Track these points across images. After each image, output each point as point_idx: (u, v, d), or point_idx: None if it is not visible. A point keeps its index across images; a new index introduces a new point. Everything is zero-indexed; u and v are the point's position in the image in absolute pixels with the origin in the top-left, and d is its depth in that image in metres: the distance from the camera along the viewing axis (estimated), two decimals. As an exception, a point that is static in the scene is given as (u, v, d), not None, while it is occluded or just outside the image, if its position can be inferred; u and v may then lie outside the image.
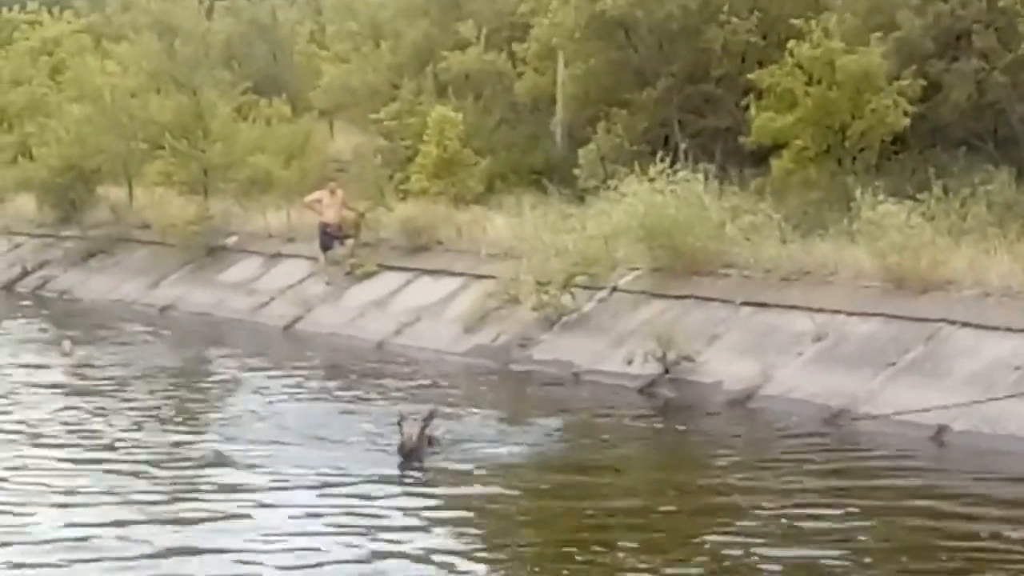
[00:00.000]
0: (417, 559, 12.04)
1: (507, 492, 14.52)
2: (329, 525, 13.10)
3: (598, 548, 12.47)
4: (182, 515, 13.44)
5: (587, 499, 14.28)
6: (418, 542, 12.61)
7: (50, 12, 45.23)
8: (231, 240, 31.17)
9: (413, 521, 13.41)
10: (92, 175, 35.14)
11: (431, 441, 15.43)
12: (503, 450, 16.19)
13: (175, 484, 14.73)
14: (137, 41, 35.90)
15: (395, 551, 12.28)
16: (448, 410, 17.80)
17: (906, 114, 23.53)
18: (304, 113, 34.77)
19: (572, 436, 17.38)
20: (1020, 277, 18.81)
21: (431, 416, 15.42)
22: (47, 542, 12.45)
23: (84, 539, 12.55)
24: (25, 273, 34.23)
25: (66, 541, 12.48)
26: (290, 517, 13.39)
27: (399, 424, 15.28)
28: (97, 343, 25.06)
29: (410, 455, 15.01)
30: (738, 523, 13.33)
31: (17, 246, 35.97)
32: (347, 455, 15.72)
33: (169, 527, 12.99)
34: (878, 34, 23.77)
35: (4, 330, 27.06)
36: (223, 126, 32.30)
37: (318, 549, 12.28)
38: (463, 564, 12.01)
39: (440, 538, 12.91)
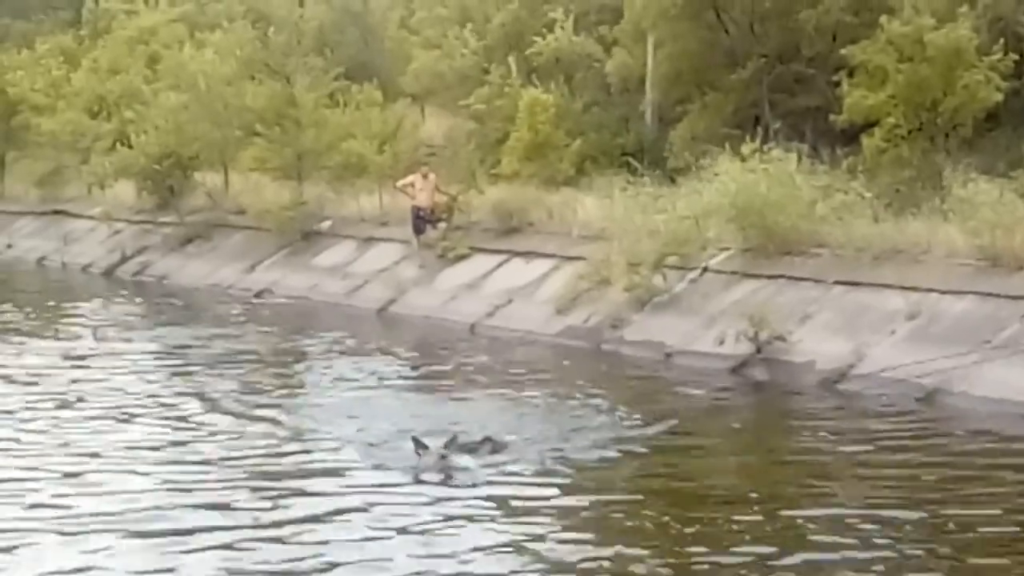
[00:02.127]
0: (501, 541, 12.18)
1: (595, 476, 14.50)
2: (402, 518, 12.93)
3: (680, 527, 12.58)
4: (249, 499, 13.57)
5: (675, 480, 14.38)
6: (502, 524, 12.73)
7: (146, 2, 45.91)
8: (325, 225, 31.51)
9: (500, 502, 13.47)
10: (189, 162, 35.65)
11: (473, 450, 14.50)
12: (592, 433, 16.15)
13: (254, 468, 14.81)
14: (231, 29, 36.41)
15: (486, 536, 12.40)
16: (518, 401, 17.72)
17: (999, 90, 23.33)
18: (395, 98, 35.01)
19: (663, 417, 17.37)
20: (1116, 253, 18.66)
21: (451, 442, 14.40)
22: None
23: (140, 514, 12.85)
24: (125, 259, 34.88)
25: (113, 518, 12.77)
26: (357, 507, 13.26)
27: (416, 450, 14.37)
28: (194, 327, 25.52)
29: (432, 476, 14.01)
30: (827, 504, 13.35)
31: (117, 232, 36.62)
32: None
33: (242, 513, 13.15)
34: (964, 8, 23.56)
35: (104, 314, 27.58)
36: (316, 112, 32.63)
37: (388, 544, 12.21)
38: (544, 547, 12.06)
39: (520, 523, 12.89)
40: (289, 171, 33.20)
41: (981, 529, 12.38)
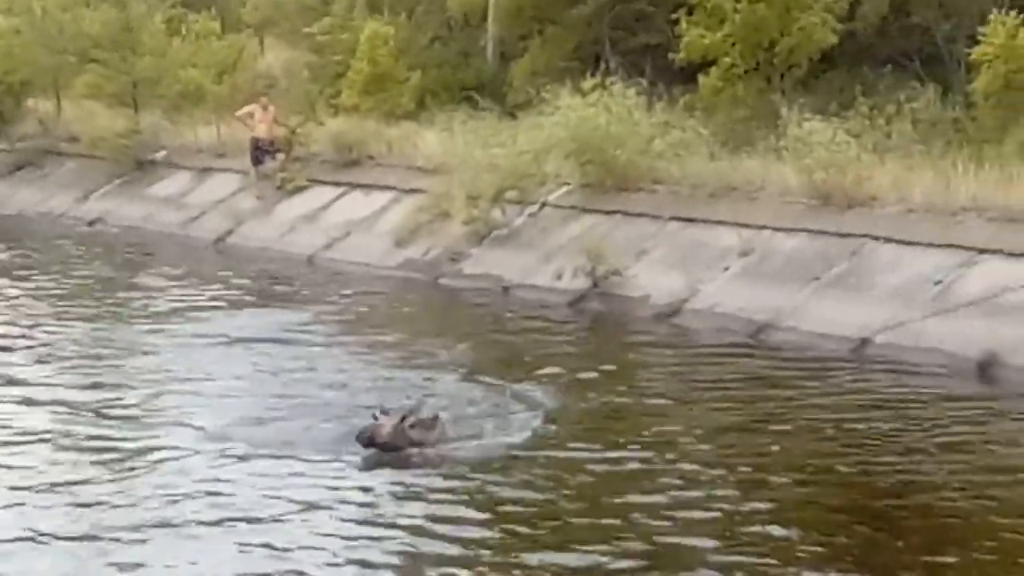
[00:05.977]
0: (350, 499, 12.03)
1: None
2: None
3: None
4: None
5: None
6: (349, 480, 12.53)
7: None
8: (160, 154, 30.96)
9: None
10: (21, 88, 34.82)
11: (429, 426, 12.99)
12: (429, 367, 16.16)
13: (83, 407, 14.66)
14: (66, -47, 35.45)
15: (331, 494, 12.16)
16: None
17: (834, 32, 23.72)
18: (234, 29, 34.45)
19: (498, 351, 17.48)
20: (942, 193, 19.10)
21: (415, 410, 13.05)
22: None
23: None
24: (-50, 186, 33.96)
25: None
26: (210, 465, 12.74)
27: (375, 416, 12.90)
28: (25, 255, 25.01)
29: (381, 447, 12.68)
30: (659, 435, 13.61)
31: (-58, 158, 35.61)
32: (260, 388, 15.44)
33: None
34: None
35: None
36: (153, 40, 32.03)
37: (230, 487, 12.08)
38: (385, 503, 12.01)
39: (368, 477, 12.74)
40: (124, 99, 32.50)
41: (800, 463, 12.75)
